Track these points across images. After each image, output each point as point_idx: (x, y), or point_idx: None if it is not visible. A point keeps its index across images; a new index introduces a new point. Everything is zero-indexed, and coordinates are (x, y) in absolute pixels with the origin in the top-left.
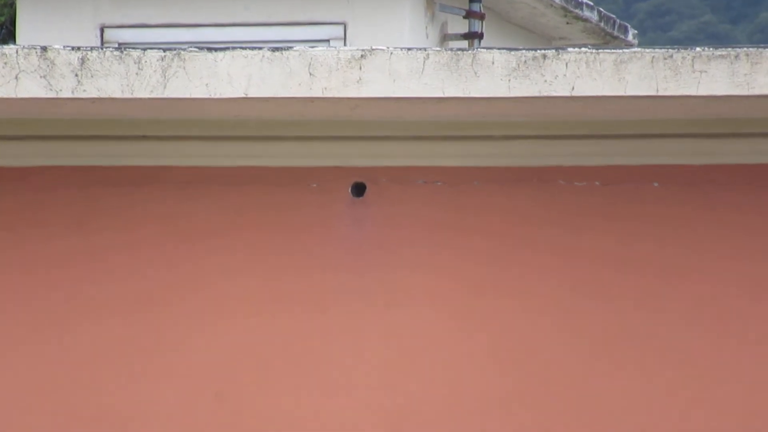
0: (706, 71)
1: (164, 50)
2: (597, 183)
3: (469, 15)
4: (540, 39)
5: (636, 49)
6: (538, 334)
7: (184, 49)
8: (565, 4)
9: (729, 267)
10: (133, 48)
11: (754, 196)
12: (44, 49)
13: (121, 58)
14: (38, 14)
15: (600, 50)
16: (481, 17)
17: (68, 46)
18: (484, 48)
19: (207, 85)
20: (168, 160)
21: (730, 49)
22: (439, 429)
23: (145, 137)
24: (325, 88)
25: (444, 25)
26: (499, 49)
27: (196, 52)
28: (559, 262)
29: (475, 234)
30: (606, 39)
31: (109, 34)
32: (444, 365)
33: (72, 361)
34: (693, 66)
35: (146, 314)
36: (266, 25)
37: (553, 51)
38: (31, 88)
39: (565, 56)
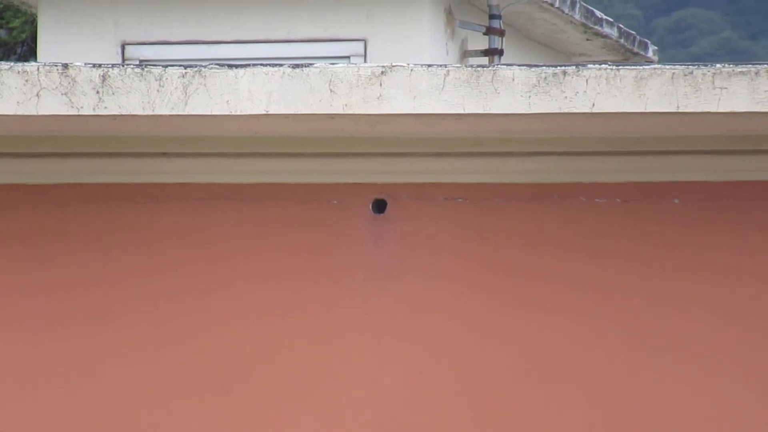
0: (726, 88)
1: (185, 67)
2: (618, 200)
3: (489, 31)
4: (560, 55)
5: (656, 66)
6: (560, 349)
7: (205, 66)
8: (585, 21)
9: (750, 284)
10: (154, 65)
11: None
12: (65, 66)
13: (142, 75)
14: (59, 31)
15: (620, 66)
16: (501, 33)
17: (89, 64)
18: (504, 64)
19: (228, 102)
20: (189, 176)
21: (750, 65)
22: None
23: (165, 154)
24: (346, 105)
25: (464, 41)
26: (519, 65)
27: (217, 69)
28: (580, 278)
29: (496, 250)
30: (626, 55)
31: (130, 50)
32: (466, 381)
33: (91, 373)
34: (713, 83)
35: (166, 330)
36: (287, 42)
37: (573, 67)
38: (53, 105)
39: (585, 73)
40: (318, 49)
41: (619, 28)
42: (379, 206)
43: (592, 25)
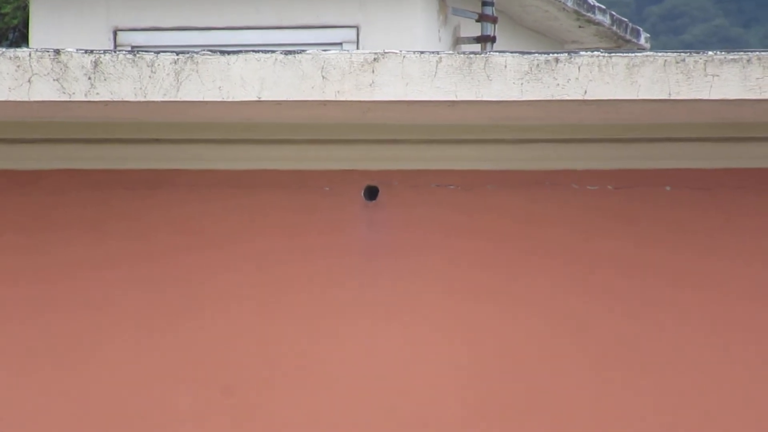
0: (718, 75)
1: (177, 53)
2: (609, 187)
3: (481, 18)
4: (552, 42)
5: (648, 53)
6: (551, 339)
7: (197, 53)
8: (577, 8)
9: (741, 271)
10: (146, 51)
11: (766, 199)
12: (57, 52)
13: (134, 61)
14: (51, 17)
15: (612, 54)
16: (494, 21)
17: (81, 49)
18: (496, 51)
19: (220, 88)
20: (181, 163)
21: (742, 53)
22: None
23: (157, 140)
24: (338, 92)
25: (456, 28)
26: (511, 52)
27: (209, 55)
28: (572, 266)
29: (488, 238)
30: (618, 42)
31: (122, 37)
32: (457, 371)
33: (85, 363)
34: (705, 70)
35: (158, 317)
36: (279, 29)
37: (566, 54)
38: (44, 91)
39: (577, 60)
40: (310, 35)
41: (612, 16)
42: (371, 193)
43: (584, 12)
